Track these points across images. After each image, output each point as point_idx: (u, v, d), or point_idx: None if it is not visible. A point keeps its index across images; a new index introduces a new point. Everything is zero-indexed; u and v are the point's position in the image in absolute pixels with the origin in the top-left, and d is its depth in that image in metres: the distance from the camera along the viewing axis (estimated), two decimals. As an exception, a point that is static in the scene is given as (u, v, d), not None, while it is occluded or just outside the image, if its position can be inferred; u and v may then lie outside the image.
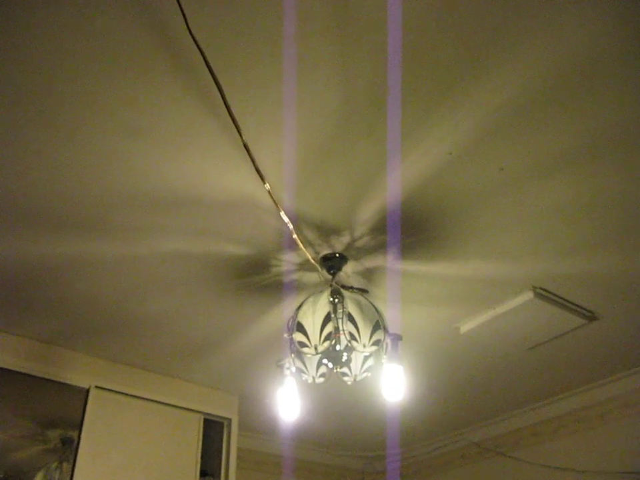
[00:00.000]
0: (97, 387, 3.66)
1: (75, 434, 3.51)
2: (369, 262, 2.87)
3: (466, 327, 3.45)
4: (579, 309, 3.35)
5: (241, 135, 1.90)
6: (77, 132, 2.10)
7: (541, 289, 3.16)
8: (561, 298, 3.25)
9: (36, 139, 2.14)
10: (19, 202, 2.43)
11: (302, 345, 2.52)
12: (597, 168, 2.38)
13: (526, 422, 4.75)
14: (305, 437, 5.05)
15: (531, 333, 3.56)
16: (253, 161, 1.97)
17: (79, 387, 3.60)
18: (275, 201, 2.19)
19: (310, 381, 2.68)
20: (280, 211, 2.25)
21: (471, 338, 3.56)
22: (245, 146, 1.93)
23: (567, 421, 4.51)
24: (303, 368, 2.66)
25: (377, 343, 2.52)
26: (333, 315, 2.52)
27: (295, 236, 2.36)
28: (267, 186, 2.09)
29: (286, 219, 2.30)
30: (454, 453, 5.21)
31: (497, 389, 4.39)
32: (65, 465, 3.47)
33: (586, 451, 4.36)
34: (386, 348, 2.59)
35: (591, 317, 3.43)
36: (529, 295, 3.17)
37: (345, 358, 2.57)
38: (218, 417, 4.15)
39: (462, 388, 4.32)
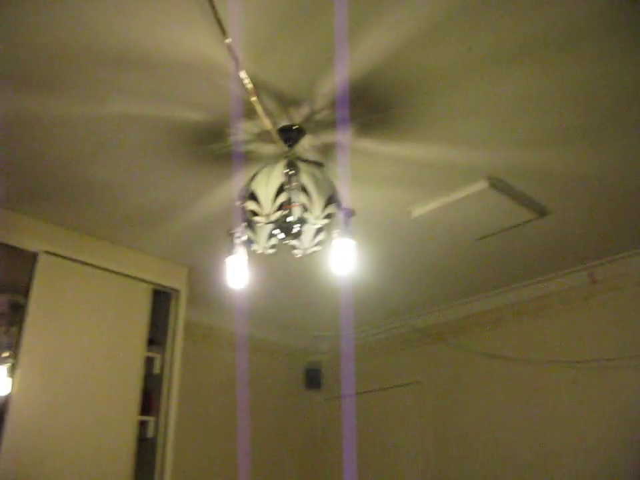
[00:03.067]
0: (46, 251, 3.63)
1: (22, 300, 3.50)
2: (327, 137, 2.83)
3: (418, 211, 3.47)
4: (531, 203, 3.40)
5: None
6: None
7: (496, 179, 3.18)
8: (515, 190, 3.29)
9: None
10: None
11: (254, 213, 2.51)
12: (564, 59, 2.35)
13: (468, 311, 4.91)
14: (253, 313, 5.12)
15: (482, 223, 3.61)
16: (214, 9, 1.88)
17: (27, 251, 3.57)
18: (235, 57, 2.11)
19: (260, 250, 2.69)
20: (239, 70, 2.18)
21: (422, 223, 3.59)
22: (206, -6, 1.84)
23: (506, 313, 4.67)
24: (254, 237, 2.66)
25: (329, 216, 2.53)
26: (287, 186, 2.50)
27: (253, 98, 2.30)
28: (228, 40, 2.01)
29: (245, 79, 2.23)
30: (397, 337, 5.37)
31: (444, 278, 4.49)
32: (13, 329, 3.48)
33: (522, 340, 4.54)
34: (338, 222, 2.60)
35: (542, 211, 3.48)
36: (483, 184, 3.19)
37: (296, 229, 2.57)
38: (167, 287, 4.18)
39: (410, 273, 4.40)
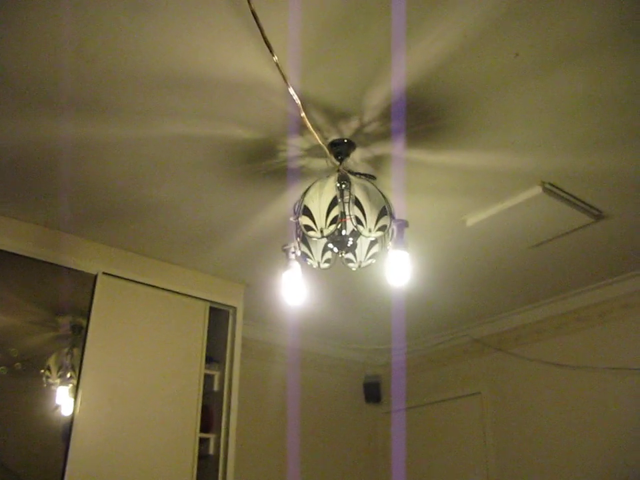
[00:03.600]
0: (104, 273, 3.70)
1: (84, 321, 3.58)
2: (377, 149, 2.83)
3: (472, 220, 3.43)
4: (586, 207, 3.33)
5: (249, 2, 1.83)
6: (83, 7, 2.03)
7: (550, 184, 3.13)
8: (570, 195, 3.23)
9: (40, 17, 2.07)
10: (23, 83, 2.39)
11: (308, 228, 2.52)
12: (614, 60, 2.31)
13: (527, 320, 4.82)
14: (309, 328, 5.15)
15: (537, 230, 3.55)
16: (260, 29, 1.91)
17: (87, 273, 3.65)
18: (282, 74, 2.13)
19: (315, 265, 2.69)
20: (288, 87, 2.20)
21: (476, 231, 3.56)
22: (253, 13, 1.86)
23: (568, 319, 4.57)
24: (308, 253, 2.67)
25: (382, 228, 2.52)
26: (339, 200, 2.51)
27: (303, 114, 2.32)
28: (275, 58, 2.03)
29: (294, 95, 2.25)
30: (455, 348, 5.32)
31: (501, 286, 4.43)
32: (75, 350, 3.56)
33: (584, 348, 4.44)
34: (392, 234, 2.60)
35: (598, 215, 3.41)
36: (537, 190, 3.14)
37: (350, 243, 2.57)
38: (223, 305, 4.22)
39: (466, 283, 4.36)
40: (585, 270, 4.18)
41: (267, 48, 2.03)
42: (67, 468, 3.26)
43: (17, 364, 3.42)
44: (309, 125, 2.40)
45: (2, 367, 3.32)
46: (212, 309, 4.17)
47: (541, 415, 4.57)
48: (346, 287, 4.32)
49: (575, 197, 3.25)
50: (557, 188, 3.16)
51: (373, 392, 5.77)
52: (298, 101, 2.27)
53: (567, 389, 4.45)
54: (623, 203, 3.33)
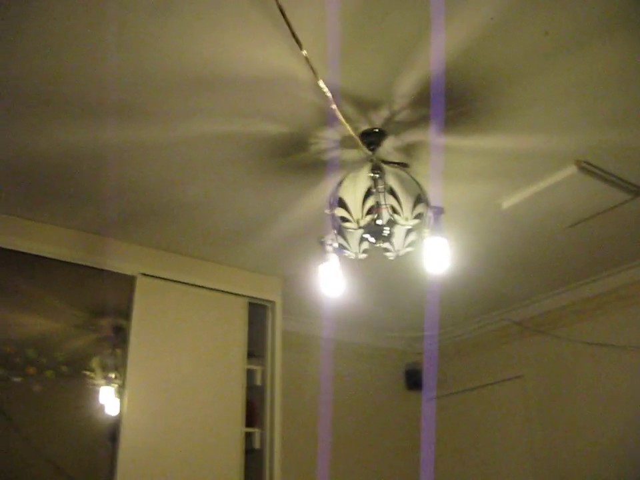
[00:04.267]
0: (143, 274, 3.74)
1: (125, 322, 3.63)
2: (409, 137, 2.81)
3: (508, 202, 3.40)
4: (623, 184, 3.28)
5: (276, -1, 1.84)
6: (106, 13, 2.05)
7: (585, 162, 3.08)
8: (606, 172, 3.18)
9: (64, 23, 2.10)
10: (51, 89, 2.43)
11: (344, 219, 2.52)
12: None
13: (567, 300, 4.76)
14: (347, 319, 5.16)
15: (574, 209, 3.51)
16: (288, 24, 1.91)
17: (125, 275, 3.70)
18: (312, 68, 2.13)
19: (352, 256, 2.69)
20: (318, 80, 2.20)
21: (513, 214, 3.53)
22: (280, 9, 1.86)
23: (608, 299, 4.51)
24: (345, 244, 2.66)
25: (419, 216, 2.52)
26: (374, 190, 2.51)
27: (333, 106, 2.31)
28: (304, 52, 2.03)
29: (324, 88, 2.24)
30: (495, 332, 5.28)
31: (539, 268, 4.38)
32: (117, 351, 3.61)
33: (627, 327, 4.38)
34: (428, 221, 2.59)
35: (636, 191, 3.35)
36: (572, 169, 3.10)
37: (387, 232, 2.56)
38: (262, 300, 4.25)
39: (503, 267, 4.32)
40: (623, 248, 4.12)
41: (294, 42, 2.03)
42: (117, 466, 3.32)
43: (63, 367, 3.48)
44: (340, 116, 2.40)
45: (49, 371, 3.38)
46: (251, 304, 4.19)
47: (585, 396, 4.53)
48: (383, 276, 4.32)
49: (611, 174, 3.20)
50: (592, 166, 3.11)
51: (415, 379, 5.76)
52: (329, 94, 2.27)
53: (611, 370, 4.40)
54: (660, 177, 3.27)
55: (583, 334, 4.63)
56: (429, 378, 5.71)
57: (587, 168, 3.10)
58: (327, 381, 5.12)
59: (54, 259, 3.49)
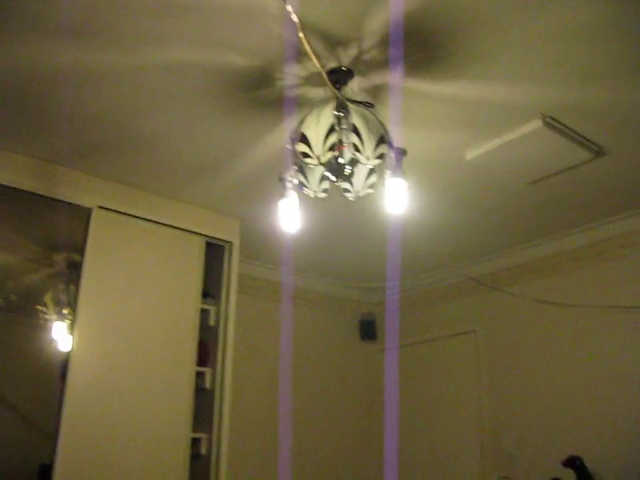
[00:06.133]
0: (99, 207, 3.67)
1: (80, 258, 3.56)
2: (376, 78, 2.77)
3: (471, 153, 3.39)
4: (587, 142, 3.29)
5: None
6: None
7: (551, 117, 3.08)
8: (570, 129, 3.18)
9: None
10: (11, 3, 2.31)
11: (305, 155, 2.49)
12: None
13: (523, 259, 4.83)
14: (304, 265, 5.18)
15: (536, 166, 3.52)
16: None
17: (82, 207, 3.62)
18: (280, -7, 2.07)
19: (312, 195, 2.67)
20: (286, 5, 2.14)
21: (475, 165, 3.51)
22: None
23: (563, 259, 4.58)
24: (305, 181, 2.64)
25: (381, 156, 2.50)
26: (337, 127, 2.47)
27: (301, 34, 2.25)
28: (273, -27, 1.97)
29: (293, 15, 2.19)
30: (452, 287, 5.35)
31: (498, 223, 4.41)
32: (71, 287, 3.56)
33: (580, 287, 4.45)
34: (390, 162, 2.57)
35: (598, 151, 3.37)
36: (537, 123, 3.10)
37: (348, 171, 2.53)
38: (219, 240, 4.21)
39: (463, 219, 4.34)
40: (582, 209, 4.16)
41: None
42: (65, 402, 3.29)
43: (13, 296, 3.43)
44: (307, 46, 2.34)
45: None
46: (208, 244, 4.15)
47: (534, 353, 4.62)
48: (342, 221, 4.30)
49: (575, 132, 3.21)
50: (557, 122, 3.11)
51: (368, 329, 5.83)
52: (296, 19, 2.21)
53: (561, 328, 4.49)
54: (623, 139, 3.29)
55: (536, 292, 4.70)
56: (383, 329, 5.76)
57: (551, 123, 3.10)
58: (280, 326, 5.14)
59: (6, 186, 3.36)
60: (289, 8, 2.14)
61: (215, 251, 4.22)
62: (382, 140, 2.49)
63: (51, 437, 3.23)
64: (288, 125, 3.04)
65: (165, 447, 3.62)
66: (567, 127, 3.16)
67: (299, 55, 2.57)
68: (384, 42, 2.53)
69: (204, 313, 4.07)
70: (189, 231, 4.05)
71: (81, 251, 3.57)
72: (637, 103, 2.97)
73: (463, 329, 5.18)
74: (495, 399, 4.80)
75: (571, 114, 3.07)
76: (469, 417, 4.94)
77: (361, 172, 2.59)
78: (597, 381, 4.17)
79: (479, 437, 4.82)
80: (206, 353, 4.02)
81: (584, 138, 3.26)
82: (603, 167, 3.56)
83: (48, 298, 3.58)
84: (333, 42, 2.54)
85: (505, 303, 4.92)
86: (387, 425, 5.44)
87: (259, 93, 2.88)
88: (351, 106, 2.53)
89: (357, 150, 2.45)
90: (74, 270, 3.59)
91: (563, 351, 4.43)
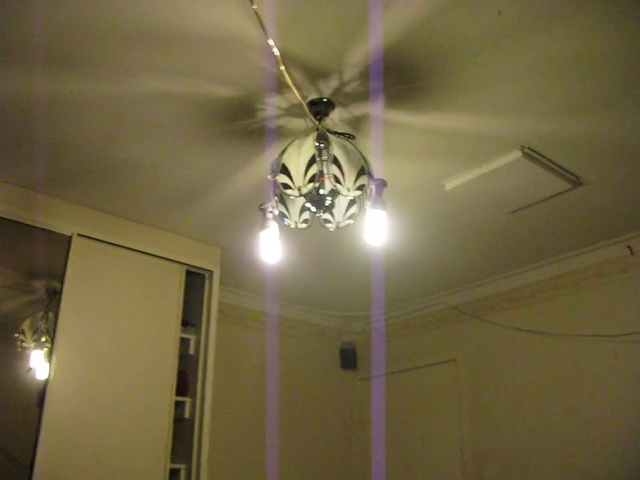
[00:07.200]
0: (79, 235, 3.65)
1: (59, 285, 3.53)
2: (357, 109, 2.79)
3: (451, 184, 3.41)
4: (565, 173, 3.33)
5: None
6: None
7: (529, 148, 3.12)
8: (549, 160, 3.22)
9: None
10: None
11: (285, 186, 2.49)
12: (602, 20, 2.27)
13: (503, 287, 4.85)
14: (286, 294, 5.16)
15: (515, 196, 3.55)
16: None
17: (61, 235, 3.60)
18: (262, 24, 2.08)
19: (292, 225, 2.67)
20: (267, 38, 2.15)
21: (455, 196, 3.54)
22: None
23: (543, 288, 4.61)
24: (286, 212, 2.64)
25: (361, 187, 2.50)
26: (318, 158, 2.48)
27: (282, 67, 2.27)
28: (255, 6, 1.98)
29: (274, 48, 2.20)
30: (432, 315, 5.35)
31: (478, 253, 4.43)
32: (50, 314, 3.52)
33: (560, 316, 4.47)
34: (370, 193, 2.58)
35: (576, 181, 3.41)
36: (516, 154, 3.13)
37: (328, 202, 2.55)
38: (200, 268, 4.19)
39: (443, 249, 4.35)
40: (560, 238, 4.20)
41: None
42: (41, 431, 3.23)
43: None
44: (288, 79, 2.36)
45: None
46: (188, 273, 4.14)
47: (515, 381, 4.62)
48: (323, 251, 4.30)
49: (553, 162, 3.25)
50: (536, 152, 3.15)
51: (349, 358, 5.80)
52: (277, 52, 2.23)
53: (541, 356, 4.50)
54: (602, 169, 3.33)
55: (516, 321, 4.72)
56: (364, 358, 5.75)
57: (530, 154, 3.14)
58: (261, 355, 5.11)
59: (-14, 213, 3.33)
60: (271, 42, 2.15)
61: (195, 280, 4.20)
62: (362, 171, 2.50)
63: (26, 468, 3.17)
64: (269, 155, 3.05)
65: (143, 478, 3.57)
66: (545, 157, 3.20)
67: (280, 86, 2.59)
68: (364, 74, 2.56)
69: (184, 342, 4.04)
70: (169, 259, 4.03)
71: (61, 278, 3.54)
72: (613, 134, 3.01)
73: (443, 358, 5.17)
74: (476, 428, 4.78)
75: (549, 145, 3.11)
76: (451, 446, 4.92)
77: (341, 203, 2.61)
78: (578, 409, 4.17)
79: (461, 466, 4.80)
80: (185, 382, 3.98)
81: (562, 169, 3.30)
82: (581, 197, 3.60)
83: (26, 325, 3.53)
84: (314, 73, 2.55)
85: (486, 332, 4.93)
86: (367, 453, 5.40)
87: (240, 123, 2.89)
88: (331, 137, 2.54)
89: (338, 181, 2.45)
90: (53, 297, 3.55)
91: (544, 379, 4.44)
